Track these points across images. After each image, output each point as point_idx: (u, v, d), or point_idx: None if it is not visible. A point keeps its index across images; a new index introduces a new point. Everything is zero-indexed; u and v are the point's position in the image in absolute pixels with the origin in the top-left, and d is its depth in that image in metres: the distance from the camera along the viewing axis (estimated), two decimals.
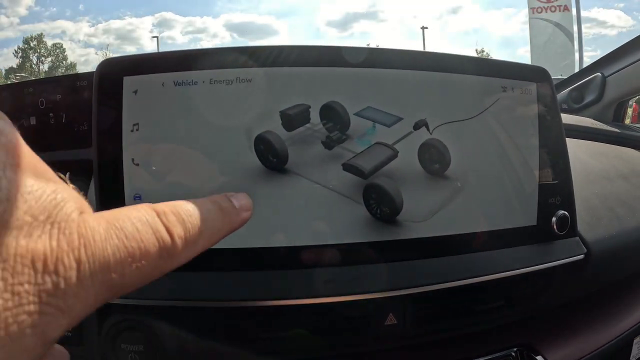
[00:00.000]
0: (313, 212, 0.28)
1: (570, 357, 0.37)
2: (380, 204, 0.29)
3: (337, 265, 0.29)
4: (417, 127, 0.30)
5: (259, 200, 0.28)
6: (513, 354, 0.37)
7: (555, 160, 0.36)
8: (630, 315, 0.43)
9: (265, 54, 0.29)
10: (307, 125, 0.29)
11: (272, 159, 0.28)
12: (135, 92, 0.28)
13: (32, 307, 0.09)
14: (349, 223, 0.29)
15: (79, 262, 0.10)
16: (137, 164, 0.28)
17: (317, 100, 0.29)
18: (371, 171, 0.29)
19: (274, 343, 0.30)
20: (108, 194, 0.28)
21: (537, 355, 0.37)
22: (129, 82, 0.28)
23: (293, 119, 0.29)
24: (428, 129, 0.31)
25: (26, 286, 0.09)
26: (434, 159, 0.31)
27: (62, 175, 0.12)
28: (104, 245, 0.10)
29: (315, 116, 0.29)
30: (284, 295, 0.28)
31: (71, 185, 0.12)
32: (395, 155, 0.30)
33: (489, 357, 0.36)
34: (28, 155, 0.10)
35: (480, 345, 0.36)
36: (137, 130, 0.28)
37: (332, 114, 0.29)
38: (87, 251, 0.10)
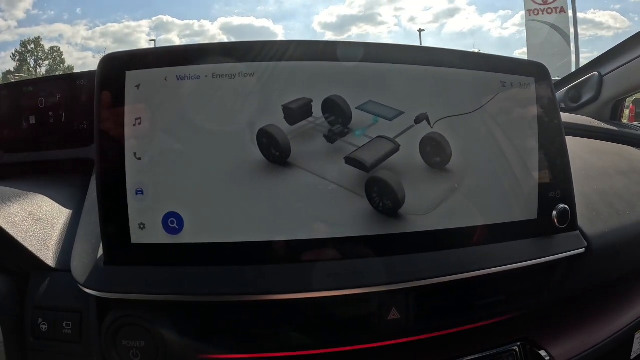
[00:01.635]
0: (315, 206, 0.29)
1: (573, 351, 0.37)
2: (383, 197, 0.29)
3: (339, 258, 0.29)
4: (418, 121, 0.31)
5: (261, 193, 0.28)
6: (516, 348, 0.36)
7: (555, 154, 0.36)
8: (632, 310, 0.43)
9: (268, 48, 0.29)
10: (309, 119, 0.29)
11: (275, 152, 0.29)
12: (138, 86, 0.28)
13: None
14: (351, 216, 0.29)
15: None
16: (140, 158, 0.28)
17: (319, 94, 0.29)
18: (373, 164, 0.29)
19: (275, 337, 0.30)
20: (110, 187, 0.28)
21: (540, 350, 0.37)
22: (131, 76, 0.28)
23: (295, 112, 0.29)
24: (429, 123, 0.31)
25: None
26: (435, 153, 0.31)
27: None
28: None
29: (317, 110, 0.29)
30: (286, 289, 0.28)
31: None
32: (397, 148, 0.30)
33: (492, 352, 0.36)
34: None
35: (483, 340, 0.36)
36: (139, 124, 0.28)
37: (334, 108, 0.29)
38: None
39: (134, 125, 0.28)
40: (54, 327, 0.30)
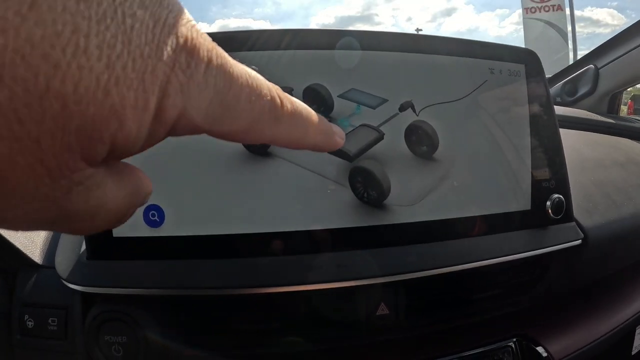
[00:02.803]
0: (298, 197, 0.28)
1: (572, 347, 0.36)
2: (367, 187, 0.28)
3: (323, 251, 0.28)
4: (402, 108, 0.30)
5: (242, 185, 0.28)
6: (512, 344, 0.35)
7: (548, 143, 0.35)
8: (632, 303, 0.42)
9: (246, 38, 0.28)
10: None
11: None
12: None
13: (162, 69, 0.08)
14: (335, 207, 0.28)
15: (209, 60, 0.09)
16: None
17: (299, 82, 0.28)
18: (357, 154, 0.28)
19: (259, 333, 0.29)
20: None
21: (537, 346, 0.36)
22: None
23: None
24: (414, 111, 0.30)
25: (168, 48, 0.09)
26: (421, 142, 0.30)
27: None
28: (231, 64, 0.10)
29: (298, 99, 0.28)
30: (270, 282, 0.27)
31: None
32: (381, 137, 0.29)
33: (486, 348, 0.34)
34: None
35: (477, 336, 0.35)
36: None
37: (315, 96, 0.29)
38: (218, 59, 0.10)
39: None
40: (40, 323, 0.30)
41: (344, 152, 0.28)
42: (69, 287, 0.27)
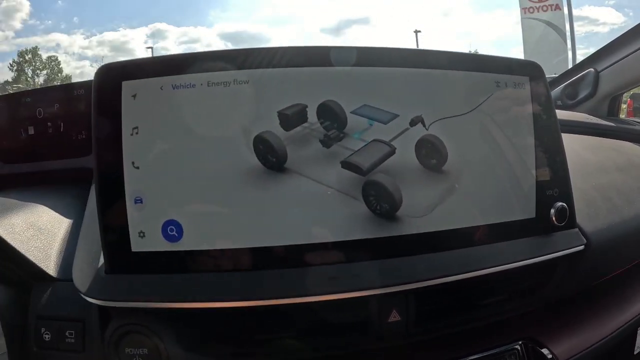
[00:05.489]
0: (313, 210, 0.29)
1: (576, 348, 0.37)
2: (380, 200, 0.29)
3: (338, 262, 0.29)
4: (413, 123, 0.31)
5: (259, 199, 0.29)
6: (518, 347, 0.36)
7: (551, 152, 0.36)
8: (634, 305, 0.43)
9: (262, 55, 0.29)
10: (305, 124, 0.30)
11: (272, 158, 0.29)
12: (134, 96, 0.28)
13: None
14: (349, 220, 0.29)
15: None
16: (138, 167, 0.28)
17: (313, 99, 0.29)
18: (369, 168, 0.29)
19: (278, 343, 0.30)
20: (109, 197, 0.28)
21: (542, 348, 0.37)
22: (127, 86, 0.28)
23: (290, 118, 0.29)
24: (424, 125, 0.31)
25: None
26: (431, 155, 0.31)
27: None
28: None
29: (312, 115, 0.29)
30: (286, 294, 0.28)
31: None
32: (392, 151, 0.30)
33: (493, 351, 0.36)
34: None
35: (485, 340, 0.36)
36: (136, 133, 0.28)
37: (329, 113, 0.30)
38: None
39: (131, 134, 0.28)
40: (57, 336, 0.30)
41: (358, 166, 0.29)
42: (85, 300, 0.28)
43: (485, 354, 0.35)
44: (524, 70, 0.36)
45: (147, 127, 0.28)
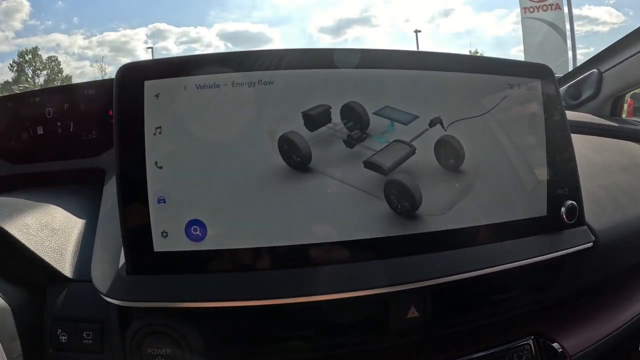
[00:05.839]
0: (337, 209, 0.30)
1: (586, 342, 0.38)
2: (401, 199, 0.30)
3: (362, 260, 0.30)
4: (432, 124, 0.32)
5: (284, 198, 0.29)
6: (530, 342, 0.38)
7: (562, 152, 0.37)
8: None
9: (286, 56, 0.30)
10: (329, 125, 0.30)
11: (296, 158, 0.30)
12: (157, 95, 0.28)
13: None
14: (371, 219, 0.30)
15: None
16: (161, 167, 0.28)
17: (337, 100, 0.30)
18: (391, 168, 0.30)
19: (304, 340, 0.31)
20: (131, 197, 0.28)
21: (553, 343, 0.38)
22: (150, 86, 0.28)
23: (315, 119, 0.30)
24: (443, 126, 0.32)
25: None
26: (449, 155, 0.32)
27: None
28: None
29: (336, 116, 0.30)
30: (313, 292, 0.28)
31: None
32: (413, 151, 0.31)
33: (506, 346, 0.37)
34: None
35: (497, 335, 0.37)
36: (159, 133, 0.28)
37: (352, 114, 0.31)
38: None
39: (154, 134, 0.28)
40: (74, 337, 0.30)
41: (380, 166, 0.30)
42: (102, 301, 0.27)
43: (498, 349, 0.36)
44: (536, 72, 0.37)
45: (170, 127, 0.28)
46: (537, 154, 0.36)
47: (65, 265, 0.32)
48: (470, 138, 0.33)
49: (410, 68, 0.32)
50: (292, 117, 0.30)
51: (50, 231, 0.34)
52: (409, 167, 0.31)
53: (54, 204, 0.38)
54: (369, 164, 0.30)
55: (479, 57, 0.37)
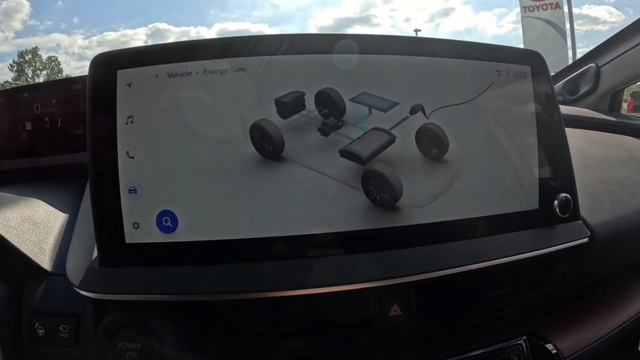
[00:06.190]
0: (311, 200, 0.28)
1: (581, 343, 0.36)
2: (380, 190, 0.29)
3: (337, 254, 0.28)
4: (413, 111, 0.30)
5: (256, 189, 0.28)
6: (522, 342, 0.36)
7: (554, 143, 0.35)
8: (638, 299, 0.42)
9: (259, 43, 0.29)
10: (303, 112, 0.29)
11: (268, 147, 0.28)
12: (129, 85, 0.28)
13: None
14: (348, 210, 0.28)
15: None
16: (132, 157, 0.27)
17: (311, 87, 0.29)
18: (369, 157, 0.29)
19: (275, 337, 0.29)
20: (103, 187, 0.27)
21: (546, 344, 0.36)
22: (122, 75, 0.27)
23: (288, 106, 0.28)
24: (425, 114, 0.30)
25: None
26: (431, 144, 0.31)
27: None
28: None
29: (310, 103, 0.29)
30: (283, 287, 0.27)
31: None
32: (392, 140, 0.29)
33: (496, 347, 0.35)
34: None
35: (487, 335, 0.36)
36: (131, 122, 0.27)
37: (327, 101, 0.29)
38: None
39: (126, 123, 0.27)
40: (51, 331, 0.29)
41: (357, 155, 0.29)
42: (79, 294, 0.27)
43: (487, 349, 0.35)
44: (525, 59, 0.35)
45: (142, 116, 0.28)
46: (528, 143, 0.34)
47: (45, 259, 0.32)
48: (454, 127, 0.31)
49: (390, 53, 0.30)
50: (264, 104, 0.28)
51: (32, 224, 0.34)
52: (389, 157, 0.29)
53: (37, 198, 0.38)
54: (345, 153, 0.29)
55: (463, 42, 0.35)
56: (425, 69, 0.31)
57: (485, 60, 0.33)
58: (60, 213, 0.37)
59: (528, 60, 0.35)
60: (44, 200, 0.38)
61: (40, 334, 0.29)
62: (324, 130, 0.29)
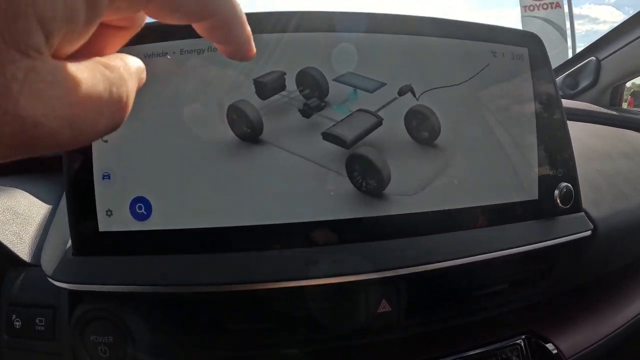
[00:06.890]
0: (292, 186, 0.26)
1: (583, 343, 0.34)
2: (366, 176, 0.27)
3: (319, 244, 0.26)
4: (402, 93, 0.28)
5: (233, 174, 0.26)
6: (520, 342, 0.33)
7: (554, 129, 0.33)
8: None
9: None
10: (283, 92, 0.27)
11: (246, 129, 0.26)
12: None
13: None
14: (331, 197, 0.26)
15: None
16: (106, 141, 0.26)
17: (293, 66, 0.27)
18: (353, 140, 0.27)
19: (251, 332, 0.27)
20: (76, 173, 0.26)
21: (546, 343, 0.34)
22: None
23: (267, 86, 0.27)
24: (414, 95, 0.28)
25: None
26: (422, 127, 0.29)
27: None
28: None
29: (291, 83, 0.27)
30: (262, 278, 0.25)
31: None
32: (379, 122, 0.27)
33: (493, 347, 0.33)
34: None
35: (485, 333, 0.33)
36: None
37: (309, 80, 0.27)
38: None
39: None
40: (28, 323, 0.29)
41: (340, 138, 0.27)
42: (56, 286, 0.26)
43: (484, 349, 0.32)
44: (522, 40, 0.33)
45: None
46: (525, 129, 0.32)
47: (24, 249, 0.31)
48: (446, 109, 0.29)
49: (377, 32, 0.28)
50: (242, 85, 0.27)
51: (13, 214, 0.33)
52: (375, 140, 0.27)
53: (20, 189, 0.37)
54: (328, 136, 0.27)
55: (456, 20, 0.33)
56: (415, 49, 0.29)
57: (480, 41, 0.31)
58: (44, 204, 0.36)
59: (525, 42, 0.33)
60: (27, 191, 0.37)
61: (18, 326, 0.29)
62: (306, 112, 0.27)
